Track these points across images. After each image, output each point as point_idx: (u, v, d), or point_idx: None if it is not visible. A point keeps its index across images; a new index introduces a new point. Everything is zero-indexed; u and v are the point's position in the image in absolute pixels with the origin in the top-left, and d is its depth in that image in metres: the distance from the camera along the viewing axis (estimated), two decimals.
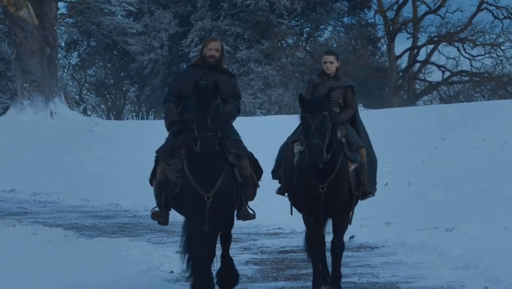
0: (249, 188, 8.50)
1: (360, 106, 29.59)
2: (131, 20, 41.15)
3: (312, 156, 8.20)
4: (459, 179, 15.34)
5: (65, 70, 44.68)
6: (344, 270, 9.83)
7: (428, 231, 12.16)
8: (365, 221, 12.91)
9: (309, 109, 8.34)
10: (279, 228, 13.80)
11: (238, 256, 11.16)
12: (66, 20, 39.93)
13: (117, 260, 10.34)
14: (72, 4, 38.95)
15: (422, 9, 43.22)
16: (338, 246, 8.61)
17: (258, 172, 8.66)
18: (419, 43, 43.50)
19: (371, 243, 12.02)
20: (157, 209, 8.50)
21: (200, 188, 8.01)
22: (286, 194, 8.96)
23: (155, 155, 8.48)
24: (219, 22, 40.86)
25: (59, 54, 38.98)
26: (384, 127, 19.73)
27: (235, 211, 8.46)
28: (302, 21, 43.73)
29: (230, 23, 40.89)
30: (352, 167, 8.64)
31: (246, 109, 39.75)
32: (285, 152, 8.94)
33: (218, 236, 8.44)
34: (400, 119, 21.21)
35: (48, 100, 29.34)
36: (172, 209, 8.51)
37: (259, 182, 8.66)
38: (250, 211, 8.50)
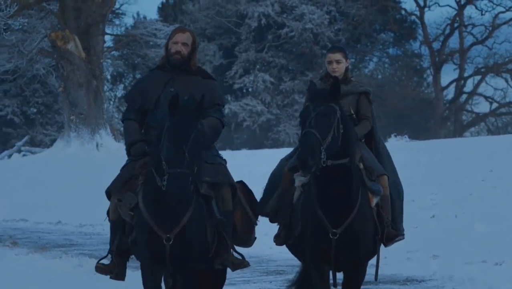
0: (241, 226, 6.53)
1: (405, 137, 29.14)
2: None
3: (303, 150, 6.03)
4: (507, 211, 15.10)
5: (111, 102, 45.10)
6: None
7: (476, 264, 11.94)
8: (412, 254, 12.75)
9: (313, 98, 6.33)
10: None
11: None
12: (112, 53, 40.37)
13: None
14: (118, 37, 39.39)
15: (469, 40, 43.00)
16: None
17: (255, 206, 6.66)
18: (465, 74, 43.22)
19: (418, 276, 11.83)
20: (104, 261, 6.55)
21: (159, 226, 6.08)
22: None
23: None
24: (263, 53, 40.98)
25: (105, 87, 39.36)
26: (430, 158, 19.53)
27: (216, 258, 6.39)
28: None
29: (274, 54, 40.99)
30: (374, 201, 6.48)
31: (291, 140, 39.65)
32: (278, 179, 6.71)
33: None
34: (447, 151, 20.97)
35: (94, 133, 29.60)
36: (130, 259, 6.61)
37: (257, 221, 6.71)
38: (238, 256, 6.44)
